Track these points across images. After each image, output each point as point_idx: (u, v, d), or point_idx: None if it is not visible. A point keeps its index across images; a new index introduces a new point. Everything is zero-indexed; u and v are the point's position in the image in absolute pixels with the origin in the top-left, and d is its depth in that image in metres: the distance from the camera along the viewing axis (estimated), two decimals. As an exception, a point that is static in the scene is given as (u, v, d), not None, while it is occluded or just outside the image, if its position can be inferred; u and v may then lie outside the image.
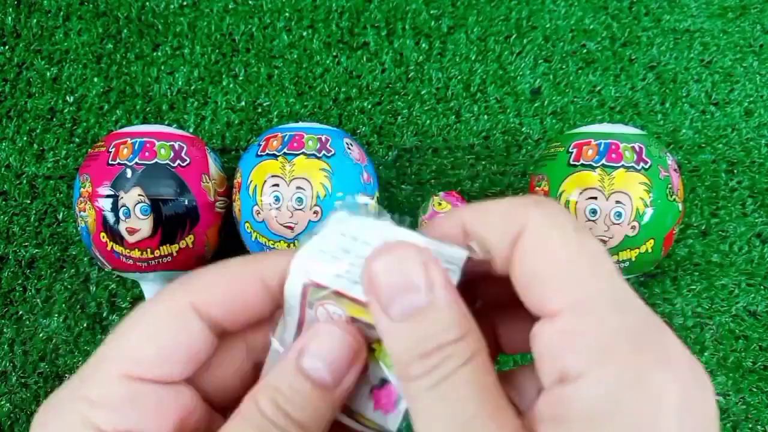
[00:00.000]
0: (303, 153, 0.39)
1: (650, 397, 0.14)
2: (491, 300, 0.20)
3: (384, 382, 0.19)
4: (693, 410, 0.14)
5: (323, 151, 0.39)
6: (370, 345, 0.19)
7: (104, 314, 0.45)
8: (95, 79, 0.49)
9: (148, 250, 0.38)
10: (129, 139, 0.39)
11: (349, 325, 0.18)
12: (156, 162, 0.38)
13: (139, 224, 0.38)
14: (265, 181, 0.38)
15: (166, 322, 0.17)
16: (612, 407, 0.14)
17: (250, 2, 0.51)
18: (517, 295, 0.17)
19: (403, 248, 0.16)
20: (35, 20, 0.50)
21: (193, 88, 0.49)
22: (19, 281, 0.45)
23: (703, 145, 0.49)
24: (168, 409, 0.17)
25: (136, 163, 0.38)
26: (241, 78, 0.50)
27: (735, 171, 0.48)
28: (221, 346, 0.20)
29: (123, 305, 0.45)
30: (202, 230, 0.40)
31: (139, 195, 0.38)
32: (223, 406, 0.20)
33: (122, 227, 0.38)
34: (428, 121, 0.49)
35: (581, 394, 0.14)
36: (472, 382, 0.16)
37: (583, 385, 0.14)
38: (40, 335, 0.44)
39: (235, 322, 0.19)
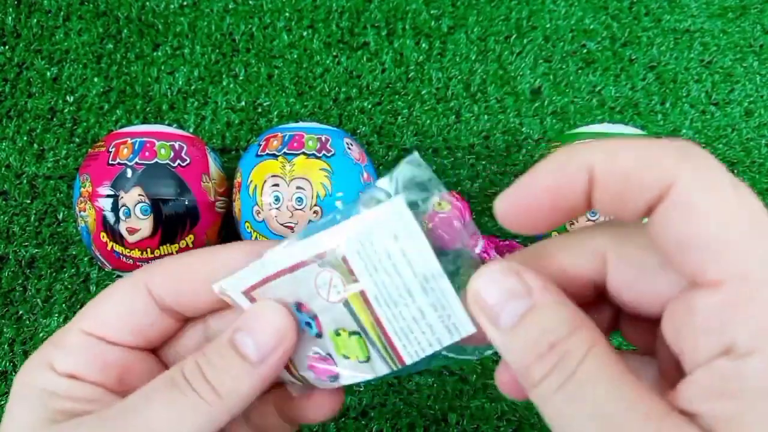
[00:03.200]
0: (303, 153, 0.39)
1: None
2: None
3: (329, 356, 0.20)
4: None
5: (323, 151, 0.39)
6: (337, 330, 0.20)
7: (104, 314, 0.45)
8: (95, 79, 0.49)
9: (148, 249, 0.38)
10: (129, 139, 0.39)
11: (286, 308, 0.19)
12: (156, 162, 0.38)
13: (139, 224, 0.38)
14: (265, 181, 0.38)
15: (122, 297, 0.21)
16: None
17: (250, 2, 0.51)
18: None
19: (493, 265, 0.17)
20: (35, 20, 0.50)
21: (193, 88, 0.49)
22: (19, 281, 0.45)
23: (703, 145, 0.49)
24: (114, 365, 0.20)
25: (136, 163, 0.38)
26: (241, 78, 0.50)
27: (735, 171, 0.48)
28: (185, 327, 0.22)
29: (123, 305, 0.45)
30: (202, 230, 0.40)
31: (140, 195, 0.38)
32: None
33: (122, 227, 0.38)
34: (428, 121, 0.49)
35: (758, 367, 0.13)
36: (599, 374, 0.15)
37: (759, 360, 0.13)
38: (40, 335, 0.44)
39: (186, 309, 0.21)
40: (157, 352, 0.22)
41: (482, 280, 0.17)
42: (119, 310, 0.20)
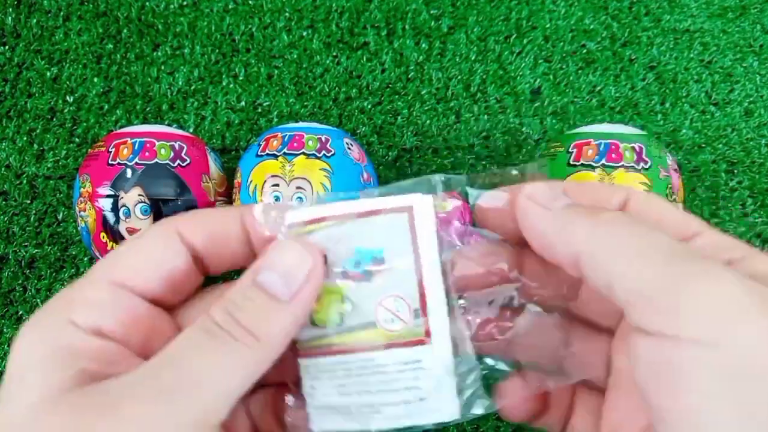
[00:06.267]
0: (303, 153, 0.39)
1: None
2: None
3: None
4: None
5: (323, 151, 0.39)
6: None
7: (104, 314, 0.45)
8: (95, 79, 0.49)
9: (148, 250, 0.38)
10: (129, 139, 0.39)
11: (306, 241, 0.19)
12: (156, 162, 0.38)
13: (139, 224, 0.38)
14: (265, 181, 0.38)
15: (153, 242, 0.19)
16: None
17: (250, 2, 0.51)
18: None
19: (544, 188, 0.19)
20: (35, 20, 0.50)
21: (193, 88, 0.49)
22: (19, 281, 0.45)
23: (703, 145, 0.49)
24: (142, 321, 0.18)
25: (136, 163, 0.38)
26: (241, 78, 0.50)
27: (735, 171, 0.48)
28: (199, 294, 0.21)
29: (123, 305, 0.45)
30: (202, 230, 0.40)
31: (140, 195, 0.38)
32: None
33: (122, 227, 0.38)
34: (428, 121, 0.49)
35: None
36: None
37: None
38: (40, 335, 0.44)
39: (214, 255, 0.20)
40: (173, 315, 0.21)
41: (540, 193, 0.18)
42: (151, 257, 0.19)
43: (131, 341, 0.18)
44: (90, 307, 0.18)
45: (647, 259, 0.15)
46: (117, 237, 0.38)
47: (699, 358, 0.13)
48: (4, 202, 0.46)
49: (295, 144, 0.39)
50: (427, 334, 0.19)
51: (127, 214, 0.38)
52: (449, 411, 0.19)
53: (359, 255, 0.19)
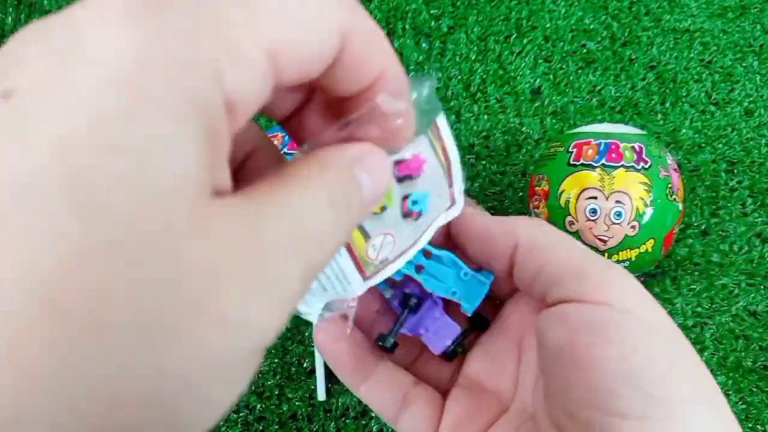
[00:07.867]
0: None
1: None
2: None
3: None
4: None
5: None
6: None
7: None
8: (95, 79, 0.49)
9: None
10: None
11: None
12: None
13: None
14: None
15: (317, 11, 0.13)
16: None
17: (250, 2, 0.51)
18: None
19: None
20: (35, 20, 0.50)
21: (193, 87, 0.49)
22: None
23: (703, 145, 0.49)
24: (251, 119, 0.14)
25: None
26: (241, 78, 0.50)
27: (735, 171, 0.48)
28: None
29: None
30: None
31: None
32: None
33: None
34: (428, 121, 0.49)
35: None
36: None
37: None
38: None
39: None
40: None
41: None
42: (302, 27, 0.12)
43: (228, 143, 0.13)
44: (243, 70, 0.11)
45: (573, 249, 0.20)
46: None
47: (629, 321, 0.18)
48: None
49: (295, 144, 0.39)
50: (369, 276, 0.22)
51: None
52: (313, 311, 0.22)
53: (415, 195, 0.20)
